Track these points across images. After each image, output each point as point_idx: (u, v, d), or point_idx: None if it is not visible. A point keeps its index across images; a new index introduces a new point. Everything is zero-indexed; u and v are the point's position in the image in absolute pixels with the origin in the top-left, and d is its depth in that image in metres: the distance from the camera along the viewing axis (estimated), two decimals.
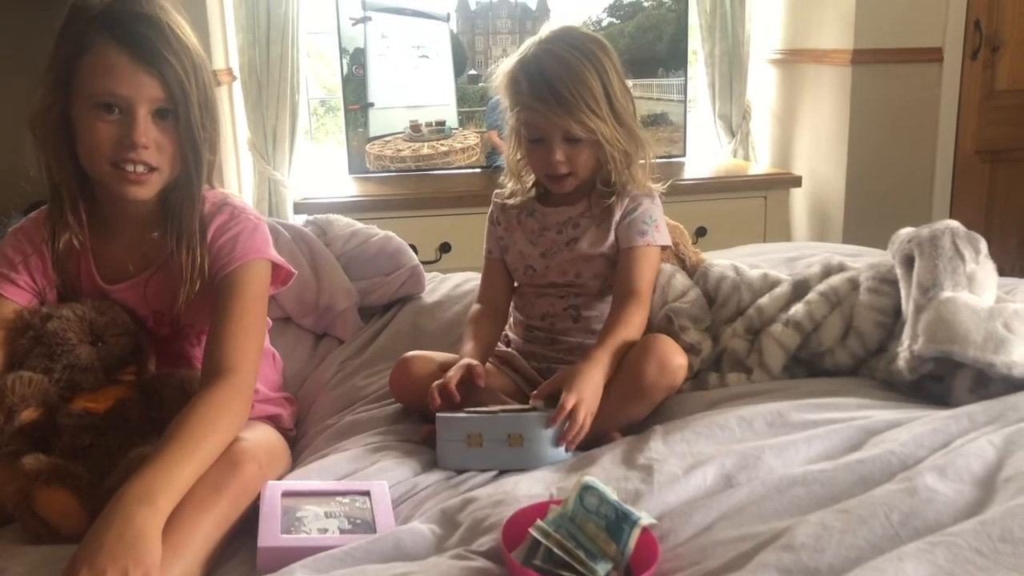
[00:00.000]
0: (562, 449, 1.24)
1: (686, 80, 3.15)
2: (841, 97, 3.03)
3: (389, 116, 3.02)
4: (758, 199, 3.00)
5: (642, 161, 1.46)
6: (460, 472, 1.24)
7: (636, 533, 0.93)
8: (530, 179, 1.54)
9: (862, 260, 1.59)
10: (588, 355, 1.32)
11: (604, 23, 3.08)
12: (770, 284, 1.53)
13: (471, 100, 3.06)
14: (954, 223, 1.41)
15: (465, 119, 3.07)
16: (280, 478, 1.21)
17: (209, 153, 1.23)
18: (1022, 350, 1.22)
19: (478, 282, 1.62)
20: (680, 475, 1.09)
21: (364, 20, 2.93)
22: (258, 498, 1.11)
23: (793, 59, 3.26)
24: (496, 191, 1.58)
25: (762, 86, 3.41)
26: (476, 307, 1.56)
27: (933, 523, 0.92)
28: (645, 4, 3.08)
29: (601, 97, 1.38)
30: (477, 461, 1.24)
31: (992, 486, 0.98)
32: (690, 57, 3.21)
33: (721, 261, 1.61)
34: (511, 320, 1.58)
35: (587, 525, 0.95)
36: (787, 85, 3.33)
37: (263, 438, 1.25)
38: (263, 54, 2.92)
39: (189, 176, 1.22)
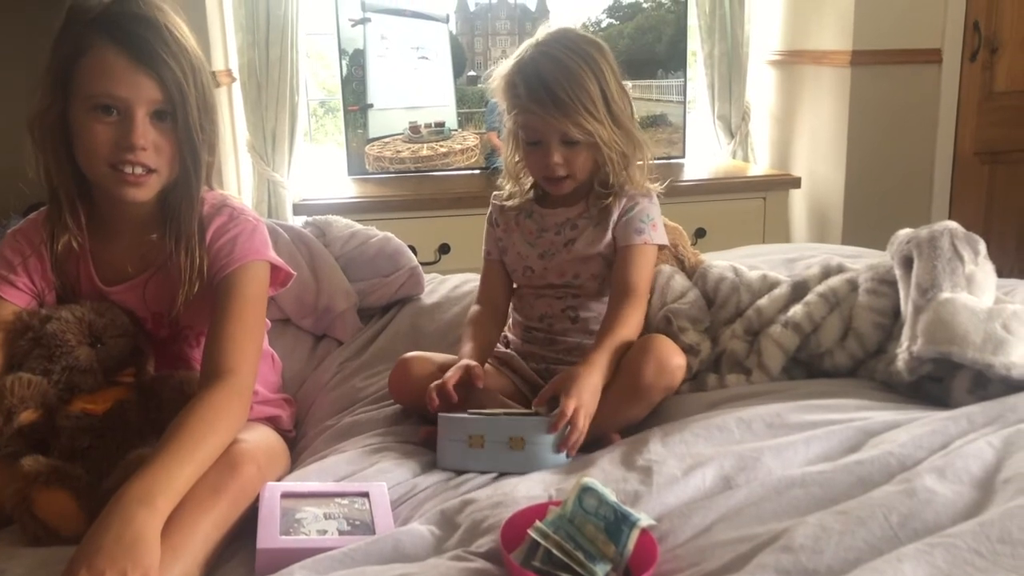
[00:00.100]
0: (562, 455, 1.24)
1: (685, 81, 3.15)
2: (840, 98, 3.03)
3: (388, 117, 3.02)
4: (757, 200, 3.00)
5: (640, 162, 1.46)
6: (459, 473, 1.24)
7: (635, 534, 0.93)
8: (528, 181, 1.54)
9: (861, 261, 1.58)
10: (586, 358, 1.31)
11: (603, 24, 3.08)
12: (769, 285, 1.53)
13: (470, 101, 3.06)
14: (953, 224, 1.41)
15: (464, 120, 3.07)
16: (279, 479, 1.21)
17: (208, 154, 1.23)
18: (1021, 351, 1.22)
19: (477, 283, 1.62)
20: (679, 476, 1.09)
21: (363, 21, 2.93)
22: (257, 499, 1.11)
23: (792, 60, 3.26)
24: (495, 193, 1.58)
25: (761, 87, 3.41)
26: (475, 308, 1.56)
27: (932, 524, 0.92)
28: (644, 5, 3.08)
29: (598, 99, 1.38)
30: (477, 462, 1.24)
31: (991, 487, 0.98)
32: (689, 58, 3.21)
33: (720, 262, 1.61)
34: (510, 321, 1.58)
35: (586, 526, 0.95)
36: (786, 86, 3.33)
37: (262, 439, 1.25)
38: (262, 55, 2.92)
39: (188, 178, 1.22)
